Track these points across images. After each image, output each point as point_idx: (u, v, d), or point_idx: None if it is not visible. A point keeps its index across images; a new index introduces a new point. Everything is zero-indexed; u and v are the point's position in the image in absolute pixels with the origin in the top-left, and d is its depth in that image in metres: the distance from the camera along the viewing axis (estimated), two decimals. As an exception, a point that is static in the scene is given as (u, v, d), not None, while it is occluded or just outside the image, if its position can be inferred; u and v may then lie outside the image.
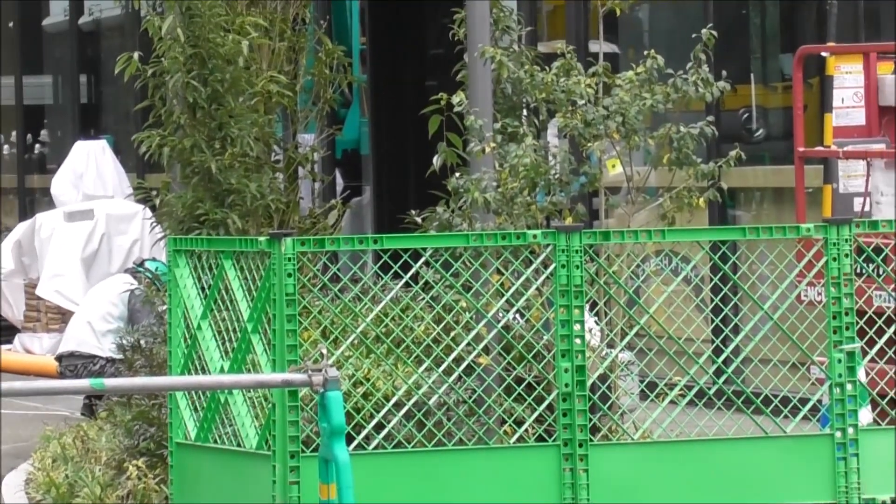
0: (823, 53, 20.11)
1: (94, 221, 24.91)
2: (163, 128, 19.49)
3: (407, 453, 15.01)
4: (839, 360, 14.70)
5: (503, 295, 15.59)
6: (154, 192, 22.30)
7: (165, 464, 16.91)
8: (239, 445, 15.25)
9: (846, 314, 14.96)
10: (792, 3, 25.46)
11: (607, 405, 15.94)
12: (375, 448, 15.02)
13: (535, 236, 15.44)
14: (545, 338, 15.58)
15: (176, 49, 18.87)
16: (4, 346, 25.73)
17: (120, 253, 23.96)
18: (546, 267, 15.25)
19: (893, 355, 15.83)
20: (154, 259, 20.01)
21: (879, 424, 15.97)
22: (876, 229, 16.57)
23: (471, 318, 15.87)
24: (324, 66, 21.18)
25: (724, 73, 20.45)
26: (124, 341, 21.04)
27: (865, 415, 15.05)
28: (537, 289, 15.86)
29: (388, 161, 26.16)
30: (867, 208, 19.13)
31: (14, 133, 41.25)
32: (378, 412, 15.04)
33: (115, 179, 24.97)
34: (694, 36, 18.52)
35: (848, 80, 19.07)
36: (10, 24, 47.22)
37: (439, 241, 16.36)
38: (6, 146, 42.23)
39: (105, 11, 39.10)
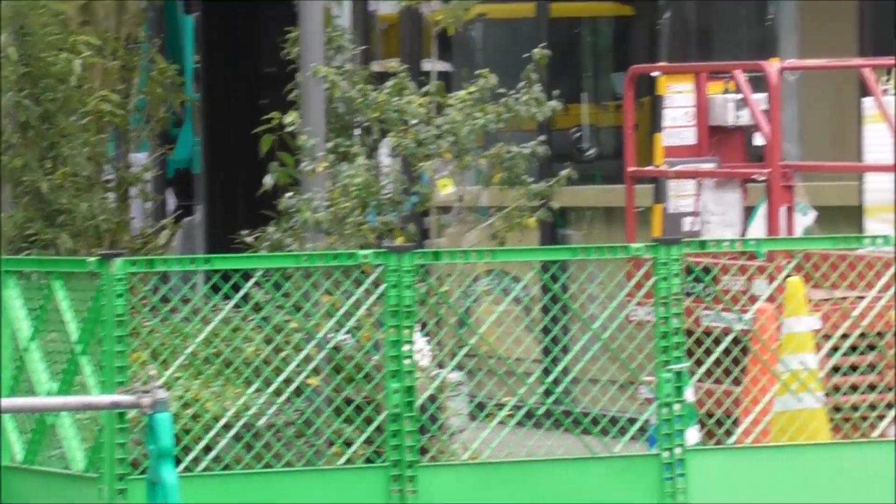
0: (654, 73, 20.45)
1: None
2: None
3: (235, 475, 14.87)
4: (667, 380, 14.64)
5: (333, 315, 15.45)
6: None
7: None
8: (67, 468, 14.98)
9: (675, 334, 14.93)
10: (624, 22, 25.91)
11: (436, 426, 16.04)
12: (204, 470, 14.85)
13: (365, 256, 15.25)
14: (375, 358, 15.65)
15: (7, 68, 18.46)
16: None
17: None
18: (377, 287, 15.03)
19: (721, 375, 16.24)
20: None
21: (706, 444, 16.08)
22: (705, 249, 16.61)
23: (301, 338, 15.74)
24: (157, 84, 20.79)
25: (555, 92, 20.50)
26: None
27: (692, 435, 15.13)
28: (368, 309, 15.58)
29: (221, 180, 25.70)
30: (697, 228, 19.29)
31: None
32: (207, 434, 14.91)
33: None
34: (526, 55, 18.62)
35: (679, 99, 19.25)
36: None
37: (269, 262, 16.30)
38: None
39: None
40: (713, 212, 18.19)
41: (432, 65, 19.24)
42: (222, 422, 14.88)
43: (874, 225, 18.50)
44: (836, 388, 16.17)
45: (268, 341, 15.44)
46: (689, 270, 16.22)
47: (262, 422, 15.40)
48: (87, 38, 18.78)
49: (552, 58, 20.78)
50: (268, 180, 18.27)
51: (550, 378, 16.48)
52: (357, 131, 18.40)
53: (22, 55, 18.91)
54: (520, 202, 18.16)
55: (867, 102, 19.04)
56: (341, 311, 15.45)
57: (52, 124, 18.51)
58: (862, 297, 15.91)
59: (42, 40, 18.60)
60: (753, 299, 16.79)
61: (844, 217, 18.95)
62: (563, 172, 19.37)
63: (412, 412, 14.63)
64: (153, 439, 12.73)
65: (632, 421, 15.95)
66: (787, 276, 16.00)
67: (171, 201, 25.75)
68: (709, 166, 18.75)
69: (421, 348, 15.71)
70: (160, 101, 21.51)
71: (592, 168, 21.91)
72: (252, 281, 15.13)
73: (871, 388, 16.21)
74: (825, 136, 19.44)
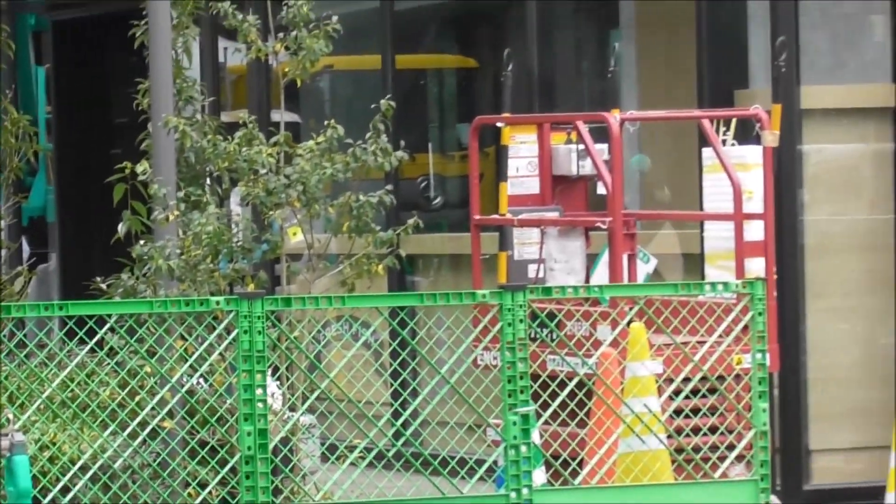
0: (499, 124, 20.39)
1: None
2: None
3: None
4: (514, 423, 14.64)
5: (187, 360, 15.46)
6: None
7: None
8: None
9: (521, 378, 14.81)
10: (469, 74, 25.91)
11: (289, 467, 16.23)
12: None
13: (217, 303, 15.10)
14: (228, 402, 16.02)
15: None
16: None
17: None
18: (229, 332, 15.02)
19: (566, 418, 16.34)
20: None
21: (553, 485, 16.27)
22: (549, 295, 16.47)
23: (156, 382, 16.13)
24: (10, 134, 20.73)
25: (402, 142, 21.08)
26: None
27: (539, 476, 15.28)
28: (220, 354, 16.05)
29: (75, 228, 25.62)
30: (541, 274, 19.51)
31: None
32: (64, 476, 14.79)
33: None
34: (373, 106, 18.66)
35: (523, 149, 19.23)
36: None
37: (123, 308, 16.10)
38: None
39: None
40: (557, 259, 18.28)
41: (281, 115, 19.61)
42: (79, 464, 14.99)
43: (713, 272, 18.81)
44: (679, 431, 15.98)
45: (122, 385, 15.75)
46: (534, 316, 16.15)
47: (118, 464, 15.00)
48: None
49: (399, 109, 20.72)
50: (121, 228, 18.40)
51: (400, 421, 16.62)
52: (208, 181, 18.49)
53: None
54: (368, 250, 18.43)
55: (706, 152, 19.20)
56: (195, 356, 15.26)
57: None
58: (703, 342, 15.99)
59: None
60: (597, 344, 16.77)
61: (685, 264, 19.04)
62: (410, 221, 19.33)
63: (265, 454, 14.46)
64: (11, 481, 12.97)
65: (480, 462, 15.80)
66: (630, 321, 16.09)
67: (26, 249, 25.92)
68: (552, 215, 18.83)
69: (273, 392, 16.01)
70: (13, 150, 21.33)
71: (439, 216, 22.20)
72: (107, 327, 14.91)
73: (713, 430, 16.24)
74: (666, 184, 19.48)
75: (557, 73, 22.07)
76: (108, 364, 16.12)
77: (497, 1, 25.04)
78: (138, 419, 14.86)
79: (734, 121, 17.86)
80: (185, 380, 15.47)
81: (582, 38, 22.61)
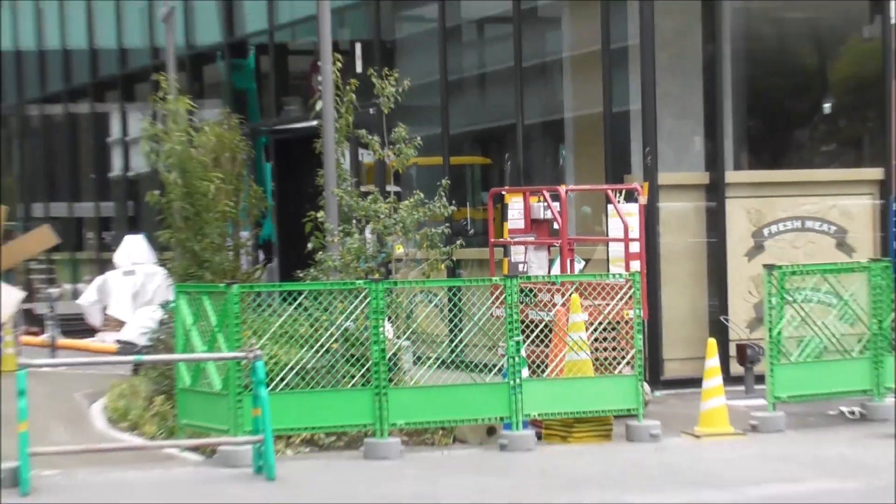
0: (503, 192, 19.60)
1: (136, 276, 25.36)
2: (170, 228, 19.47)
3: (294, 392, 14.86)
4: (512, 345, 14.78)
5: (343, 313, 15.30)
6: (166, 262, 22.27)
7: (174, 398, 16.22)
8: (211, 389, 14.78)
9: (515, 322, 15.00)
10: (486, 166, 24.19)
11: (396, 367, 16.00)
12: (280, 390, 14.82)
13: (359, 285, 15.38)
14: (365, 334, 15.13)
15: (176, 190, 18.96)
16: (89, 339, 26.11)
17: (149, 293, 24.46)
18: (366, 299, 14.91)
19: (539, 343, 16.16)
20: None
21: (532, 377, 15.72)
22: (529, 280, 17.07)
23: (329, 324, 15.36)
24: (252, 197, 20.88)
25: (453, 201, 20.24)
26: (155, 336, 20.96)
27: (525, 372, 15.10)
28: (361, 310, 15.29)
29: (285, 246, 25.70)
30: (525, 270, 18.47)
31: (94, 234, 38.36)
32: (281, 372, 14.76)
33: (146, 254, 25.29)
34: (438, 183, 18.73)
35: (515, 205, 18.24)
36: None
37: (312, 286, 16.19)
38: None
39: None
40: (533, 262, 18.13)
41: (391, 187, 19.45)
42: (289, 366, 14.63)
43: (614, 268, 17.70)
44: (596, 349, 15.67)
45: (311, 325, 15.16)
46: (521, 290, 15.94)
47: (309, 365, 15.04)
48: (217, 174, 19.05)
49: (451, 184, 20.77)
50: (310, 245, 18.57)
51: (454, 344, 16.02)
52: (354, 221, 18.51)
53: (184, 182, 19.16)
54: (436, 257, 18.25)
55: (609, 207, 18.23)
56: (348, 311, 15.20)
57: (200, 217, 18.88)
58: (608, 305, 15.78)
59: (194, 174, 18.89)
60: (554, 305, 16.23)
61: (600, 264, 18.61)
62: (457, 242, 19.37)
63: (384, 359, 14.77)
64: (254, 374, 13.16)
65: (495, 366, 15.70)
66: (571, 293, 15.97)
67: (261, 256, 25.74)
68: (530, 238, 18.42)
69: (388, 329, 15.65)
70: (254, 205, 21.61)
71: (472, 239, 21.31)
72: (302, 296, 15.22)
73: (613, 349, 15.84)
74: (590, 223, 19.30)
75: (532, 165, 21.60)
76: (304, 315, 15.32)
77: (499, 125, 23.41)
78: (319, 343, 14.86)
79: (624, 191, 17.79)
80: (344, 323, 15.31)
81: (545, 148, 22.03)
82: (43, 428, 14.44)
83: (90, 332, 26.83)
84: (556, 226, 18.33)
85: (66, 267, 34.09)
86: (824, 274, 16.86)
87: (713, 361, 15.77)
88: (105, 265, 27.79)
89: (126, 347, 22.84)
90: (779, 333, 15.90)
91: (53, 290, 31.16)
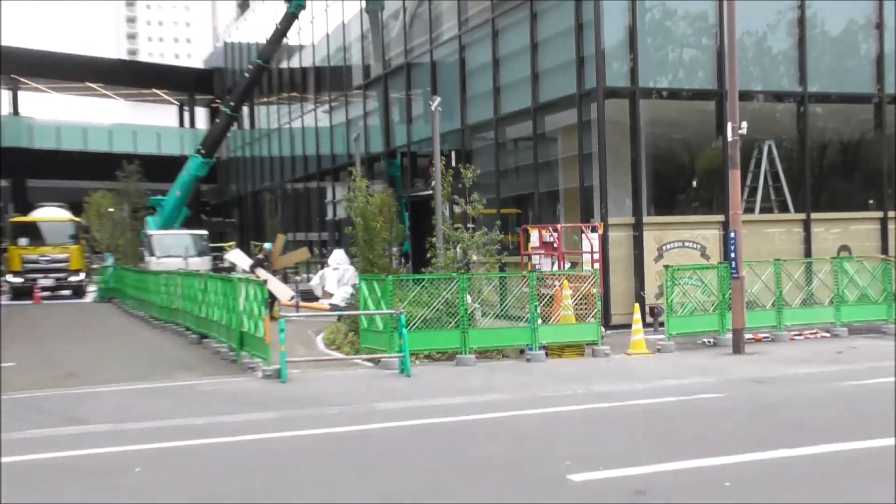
0: (528, 227, 19.04)
1: (339, 270, 24.41)
2: (356, 246, 18.99)
3: (423, 331, 14.45)
4: (534, 307, 14.73)
5: (446, 290, 14.85)
6: (354, 263, 20.90)
7: (358, 334, 15.80)
8: (377, 329, 14.54)
9: (534, 294, 14.89)
10: (518, 215, 22.58)
11: (471, 317, 15.34)
12: (409, 329, 14.34)
13: (453, 276, 15.09)
14: (456, 300, 14.75)
15: (360, 227, 18.51)
16: (316, 303, 25.33)
17: (346, 279, 23.39)
18: (456, 283, 14.52)
19: (546, 306, 15.36)
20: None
21: (542, 324, 15.12)
22: (541, 273, 16.66)
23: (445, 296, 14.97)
24: (398, 231, 20.18)
25: (507, 234, 19.92)
26: (349, 301, 20.82)
27: (539, 322, 14.75)
28: (454, 289, 14.36)
29: (416, 255, 23.85)
30: (539, 267, 18.11)
31: (318, 249, 38.05)
32: (412, 321, 14.30)
33: (344, 259, 24.07)
34: (495, 223, 18.39)
35: (534, 234, 17.38)
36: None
37: (428, 277, 15.36)
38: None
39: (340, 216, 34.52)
40: (542, 264, 17.65)
41: (470, 225, 18.30)
42: (417, 317, 14.27)
43: (586, 267, 17.66)
44: (576, 309, 14.86)
45: (429, 296, 14.78)
46: (538, 278, 15.27)
47: (428, 316, 14.57)
48: (381, 218, 18.32)
49: (501, 224, 20.03)
50: (428, 255, 17.31)
51: (503, 305, 15.85)
52: (450, 242, 17.64)
53: (364, 223, 18.69)
54: (492, 261, 17.31)
55: (584, 236, 17.84)
56: (448, 289, 14.80)
57: (371, 241, 18.08)
58: (582, 286, 15.90)
59: (369, 219, 18.21)
60: (555, 286, 15.47)
61: (579, 266, 18.48)
62: (504, 253, 18.82)
63: (466, 313, 14.60)
64: (399, 321, 13.20)
65: (522, 318, 15.20)
66: (563, 280, 15.82)
67: (405, 260, 23.83)
68: (542, 252, 17.75)
69: (468, 299, 14.82)
70: (399, 235, 20.69)
71: (512, 253, 19.88)
72: (423, 281, 14.85)
73: (585, 309, 15.23)
74: (574, 244, 18.30)
75: (542, 213, 20.46)
76: (425, 291, 14.62)
77: (526, 193, 21.82)
78: (432, 305, 14.58)
79: (591, 227, 17.57)
80: (445, 295, 14.56)
81: (549, 204, 21.54)
82: (291, 348, 14.62)
83: (315, 299, 25.66)
84: (555, 245, 18.38)
85: (304, 265, 33.43)
86: (694, 269, 16.87)
87: (637, 316, 15.79)
88: (323, 264, 27.11)
89: (334, 307, 22.25)
90: (671, 301, 15.88)
91: (297, 278, 31.66)
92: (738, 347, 15.35)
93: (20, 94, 52.55)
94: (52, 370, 15.05)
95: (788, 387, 11.93)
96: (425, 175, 25.25)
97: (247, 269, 25.02)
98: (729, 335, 15.99)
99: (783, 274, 17.29)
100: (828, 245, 20.42)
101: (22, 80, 51.85)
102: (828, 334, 17.35)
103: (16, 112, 51.76)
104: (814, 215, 20.34)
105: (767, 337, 17.09)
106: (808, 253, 20.02)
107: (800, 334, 17.34)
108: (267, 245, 27.20)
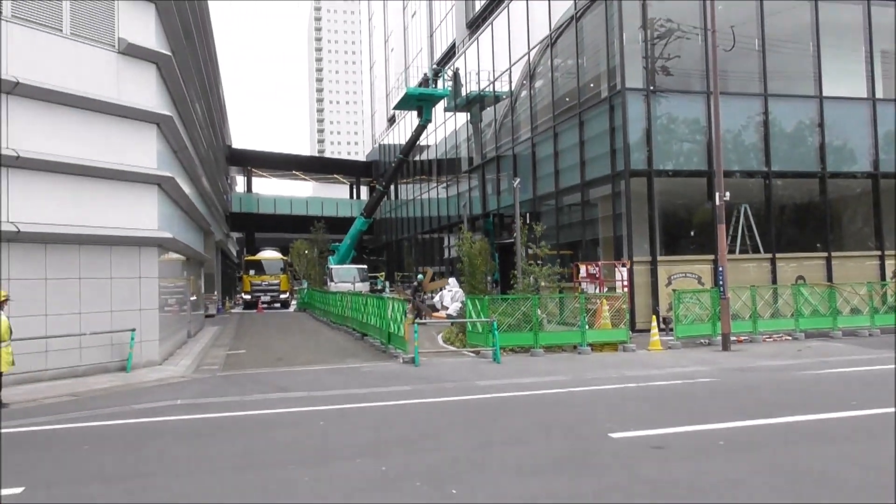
0: (578, 264, 18.80)
1: (453, 290, 23.21)
2: (464, 276, 18.44)
3: (515, 333, 14.37)
4: (583, 317, 14.12)
5: (523, 304, 14.72)
6: (462, 286, 20.05)
7: (465, 334, 15.47)
8: (478, 330, 14.35)
9: (582, 308, 14.29)
10: (571, 255, 20.78)
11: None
12: (499, 330, 14.07)
13: (529, 296, 14.64)
14: (529, 313, 14.72)
15: (466, 262, 18.01)
16: (437, 312, 24.04)
17: (458, 297, 21.73)
18: (530, 301, 14.28)
19: (591, 315, 14.85)
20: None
21: (589, 328, 14.97)
22: (587, 294, 16.11)
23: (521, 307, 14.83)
24: (492, 266, 19.45)
25: (560, 267, 19.34)
26: (459, 312, 20.26)
27: (586, 326, 14.46)
28: (529, 305, 14.21)
29: (503, 282, 21.85)
30: (585, 290, 17.61)
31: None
32: (499, 326, 13.96)
33: (457, 284, 22.74)
34: (556, 260, 18.02)
35: (582, 268, 17.51)
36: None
37: (511, 297, 14.83)
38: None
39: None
40: (589, 289, 17.15)
41: (539, 262, 17.83)
42: (504, 324, 14.04)
43: (619, 290, 17.58)
44: (612, 319, 14.80)
45: (513, 309, 14.53)
46: (585, 298, 15.04)
47: (512, 322, 14.31)
48: (480, 258, 17.64)
49: (560, 261, 19.74)
50: (512, 282, 17.13)
51: (563, 315, 15.49)
52: (527, 274, 17.45)
53: (469, 260, 18.27)
54: (554, 286, 17.04)
55: (616, 269, 17.65)
56: (527, 305, 14.55)
57: (474, 272, 17.31)
58: (616, 303, 15.32)
59: (472, 258, 17.67)
60: (597, 303, 15.36)
61: (613, 289, 18.08)
62: (561, 282, 18.04)
63: (538, 321, 14.02)
64: (493, 326, 12.66)
65: (574, 324, 14.80)
66: (602, 298, 15.40)
67: (496, 285, 22.52)
68: (587, 280, 17.95)
69: (539, 312, 14.56)
70: (492, 268, 19.36)
71: (568, 281, 19.82)
72: (508, 300, 14.53)
73: (617, 318, 14.99)
74: (610, 275, 17.95)
75: (588, 254, 20.10)
76: (510, 305, 14.46)
77: (577, 240, 20.56)
78: (514, 315, 14.11)
79: (622, 263, 17.01)
80: (521, 308, 14.08)
81: (592, 248, 20.81)
82: (421, 343, 14.64)
83: (437, 310, 24.41)
84: (597, 275, 17.94)
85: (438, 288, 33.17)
86: (693, 292, 16.14)
87: (654, 324, 15.24)
88: (442, 287, 26.50)
89: (450, 316, 21.41)
90: (678, 313, 15.29)
91: (426, 296, 31.47)
92: (726, 346, 14.67)
93: (253, 179, 54.51)
94: (268, 355, 15.31)
95: (763, 374, 11.35)
96: (509, 229, 24.81)
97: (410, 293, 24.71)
98: (719, 337, 15.31)
99: (757, 295, 16.58)
100: (788, 275, 19.51)
101: (254, 170, 53.86)
102: (790, 338, 16.48)
103: (249, 190, 53.36)
104: (778, 255, 19.47)
105: (747, 339, 16.27)
106: (774, 281, 19.20)
107: (770, 337, 16.50)
108: (419, 276, 27.35)
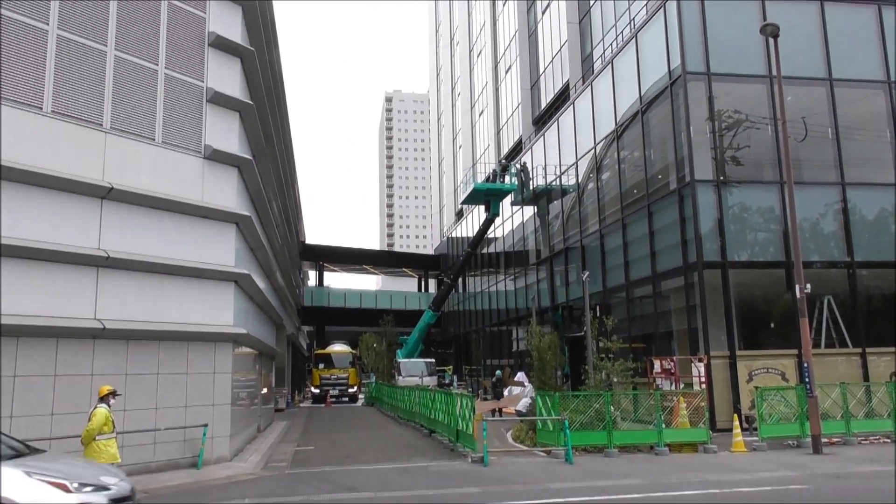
0: (652, 359, 18.35)
1: (524, 386, 21.56)
2: (533, 370, 18.17)
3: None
4: (659, 415, 13.62)
5: (596, 401, 14.12)
6: (532, 381, 19.56)
7: (535, 432, 15.03)
8: (548, 428, 13.90)
9: (659, 405, 13.79)
10: (643, 349, 20.26)
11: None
12: (571, 428, 13.81)
13: (602, 392, 14.27)
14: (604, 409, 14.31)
15: (537, 357, 17.66)
16: (507, 409, 23.07)
17: (527, 392, 20.70)
18: (602, 398, 13.87)
19: (668, 413, 14.36)
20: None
21: (666, 427, 14.36)
22: (662, 390, 15.53)
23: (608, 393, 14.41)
24: (561, 359, 19.40)
25: (634, 362, 18.77)
26: (529, 408, 19.76)
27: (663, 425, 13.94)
28: (602, 402, 13.99)
29: (574, 376, 21.52)
30: (661, 387, 16.99)
31: (503, 372, 36.58)
32: (573, 423, 13.85)
33: (526, 378, 21.57)
34: (629, 355, 17.55)
35: (656, 363, 17.03)
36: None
37: (583, 393, 14.51)
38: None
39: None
40: (664, 385, 16.65)
41: (611, 355, 17.81)
42: (577, 421, 13.81)
43: (696, 387, 16.69)
44: (690, 417, 14.51)
45: (585, 405, 14.26)
46: (661, 395, 14.72)
47: (584, 420, 13.96)
48: (549, 352, 17.01)
49: (633, 356, 19.20)
50: (583, 377, 16.70)
51: (638, 412, 14.95)
52: (599, 368, 17.11)
53: (539, 353, 17.86)
54: (629, 382, 16.52)
55: (692, 365, 17.28)
56: (600, 403, 14.13)
57: (544, 367, 16.93)
58: (694, 400, 14.66)
59: (542, 351, 16.88)
60: (674, 399, 14.93)
61: (690, 384, 17.91)
62: (635, 378, 17.68)
63: (611, 419, 13.63)
64: (565, 424, 12.13)
65: (651, 422, 14.61)
66: (679, 396, 14.84)
67: (566, 380, 21.96)
68: (663, 376, 17.36)
69: (612, 409, 14.15)
70: (562, 362, 19.22)
71: (642, 377, 18.71)
72: (580, 395, 14.34)
73: (696, 417, 14.54)
74: (685, 370, 17.38)
75: (662, 348, 19.67)
76: (583, 401, 14.08)
77: (648, 333, 20.15)
78: (586, 413, 13.73)
79: (698, 359, 16.41)
80: (594, 405, 13.69)
81: (666, 342, 19.64)
82: (490, 441, 14.29)
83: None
84: (672, 371, 17.30)
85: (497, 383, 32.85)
86: (777, 390, 15.38)
87: (736, 423, 14.48)
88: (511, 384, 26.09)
89: (519, 413, 20.81)
90: (761, 412, 14.61)
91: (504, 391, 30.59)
92: (817, 448, 13.71)
93: (325, 273, 55.75)
94: (335, 452, 15.20)
95: (861, 481, 10.47)
96: (578, 321, 24.50)
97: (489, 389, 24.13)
98: (808, 439, 14.32)
99: (848, 393, 15.54)
100: (880, 371, 18.36)
101: (326, 265, 55.18)
102: (888, 440, 15.26)
103: (320, 284, 54.53)
104: (868, 349, 18.44)
105: (840, 441, 15.16)
106: (865, 377, 18.10)
107: (866, 439, 15.33)
108: (498, 372, 27.02)
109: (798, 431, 14.87)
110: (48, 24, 11.27)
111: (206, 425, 12.71)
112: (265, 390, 21.70)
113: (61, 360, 11.03)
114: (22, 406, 10.47)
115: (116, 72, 12.14)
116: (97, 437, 9.06)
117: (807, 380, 14.16)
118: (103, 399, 9.43)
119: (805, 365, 14.24)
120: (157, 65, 12.84)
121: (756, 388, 15.27)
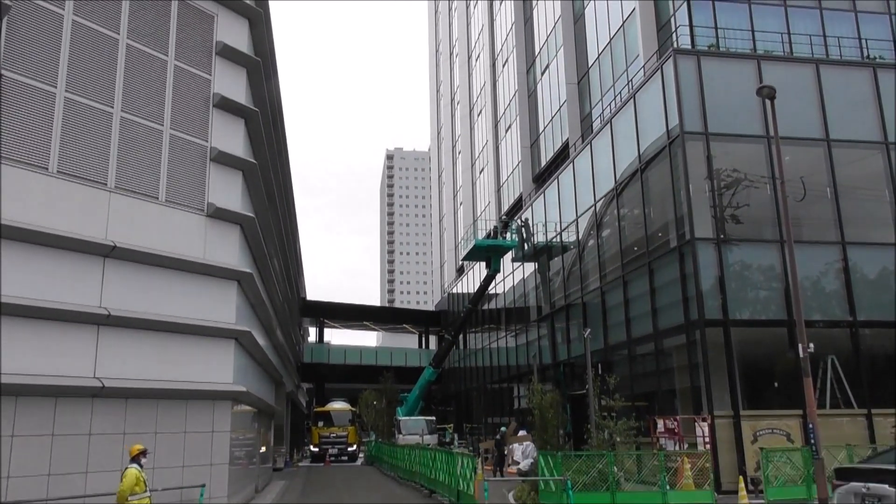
0: (655, 418, 18.38)
1: (525, 445, 21.55)
2: (535, 428, 17.96)
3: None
4: (663, 476, 13.36)
5: (600, 461, 14.04)
6: (533, 441, 19.60)
7: (537, 492, 14.72)
8: (550, 489, 13.64)
9: (662, 467, 13.52)
10: (647, 406, 20.19)
11: None
12: (574, 489, 13.63)
13: (604, 453, 14.16)
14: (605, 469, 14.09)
15: (538, 415, 17.48)
16: (508, 468, 22.79)
17: (528, 452, 20.58)
18: (605, 458, 13.78)
19: (672, 474, 14.04)
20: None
21: (670, 489, 14.08)
22: (666, 451, 15.25)
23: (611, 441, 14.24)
24: (563, 417, 19.18)
25: (636, 420, 18.55)
26: (531, 468, 19.61)
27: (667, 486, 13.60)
28: (605, 463, 13.86)
29: (576, 434, 21.55)
30: (664, 447, 17.19)
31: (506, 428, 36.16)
32: (576, 483, 13.61)
33: (528, 435, 21.49)
34: (632, 413, 17.38)
35: (659, 422, 16.88)
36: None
37: (586, 453, 14.36)
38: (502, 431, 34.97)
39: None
40: (668, 445, 16.30)
41: (613, 414, 17.47)
42: (580, 482, 13.56)
43: (700, 448, 16.56)
44: (694, 479, 14.16)
45: (587, 465, 14.06)
46: (665, 456, 14.66)
47: (586, 480, 13.67)
48: (551, 410, 17.29)
49: (636, 414, 19.03)
50: (585, 436, 16.52)
51: (642, 473, 14.75)
52: (601, 427, 16.85)
53: (540, 412, 17.79)
54: (631, 441, 16.49)
55: (696, 425, 17.10)
56: (603, 463, 13.93)
57: (546, 426, 16.88)
58: (698, 461, 14.44)
59: (543, 409, 16.97)
60: (678, 459, 14.80)
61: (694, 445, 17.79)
62: (638, 437, 17.55)
63: (615, 479, 13.43)
64: (567, 484, 11.99)
65: (655, 483, 14.29)
66: (682, 455, 14.55)
67: (568, 438, 22.07)
68: (666, 435, 16.98)
69: (615, 469, 14.09)
70: (564, 421, 18.87)
71: (644, 436, 18.67)
72: (583, 455, 14.19)
73: (701, 478, 14.27)
74: (688, 430, 17.35)
75: (665, 408, 19.67)
76: (584, 461, 13.84)
77: (650, 391, 19.87)
78: (589, 473, 13.49)
79: (701, 418, 16.19)
80: (598, 466, 13.50)
81: (670, 401, 19.48)
82: (491, 502, 14.14)
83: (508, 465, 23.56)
84: (675, 430, 17.13)
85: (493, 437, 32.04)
86: (783, 451, 15.23)
87: (741, 485, 14.31)
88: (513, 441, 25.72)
89: (521, 472, 20.34)
90: (767, 474, 14.41)
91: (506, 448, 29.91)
92: (824, 512, 13.51)
93: (325, 329, 55.60)
94: (334, 514, 15.03)
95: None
96: (580, 378, 24.30)
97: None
98: (816, 502, 14.03)
99: (855, 455, 15.30)
100: (886, 432, 18.05)
101: (326, 321, 55.06)
102: (897, 503, 15.07)
103: (320, 340, 54.39)
104: (874, 410, 18.21)
105: None
106: (871, 438, 17.84)
107: (874, 502, 15.13)
108: (502, 428, 26.78)
109: (805, 494, 14.64)
110: (56, 87, 11.43)
111: (203, 485, 12.50)
112: (263, 449, 21.42)
113: (59, 420, 10.91)
114: (18, 466, 10.32)
115: (122, 132, 12.29)
116: (129, 497, 9.05)
117: (812, 441, 13.99)
118: (134, 459, 9.45)
119: (810, 426, 14.08)
120: (163, 125, 13.02)
121: (761, 449, 15.10)
